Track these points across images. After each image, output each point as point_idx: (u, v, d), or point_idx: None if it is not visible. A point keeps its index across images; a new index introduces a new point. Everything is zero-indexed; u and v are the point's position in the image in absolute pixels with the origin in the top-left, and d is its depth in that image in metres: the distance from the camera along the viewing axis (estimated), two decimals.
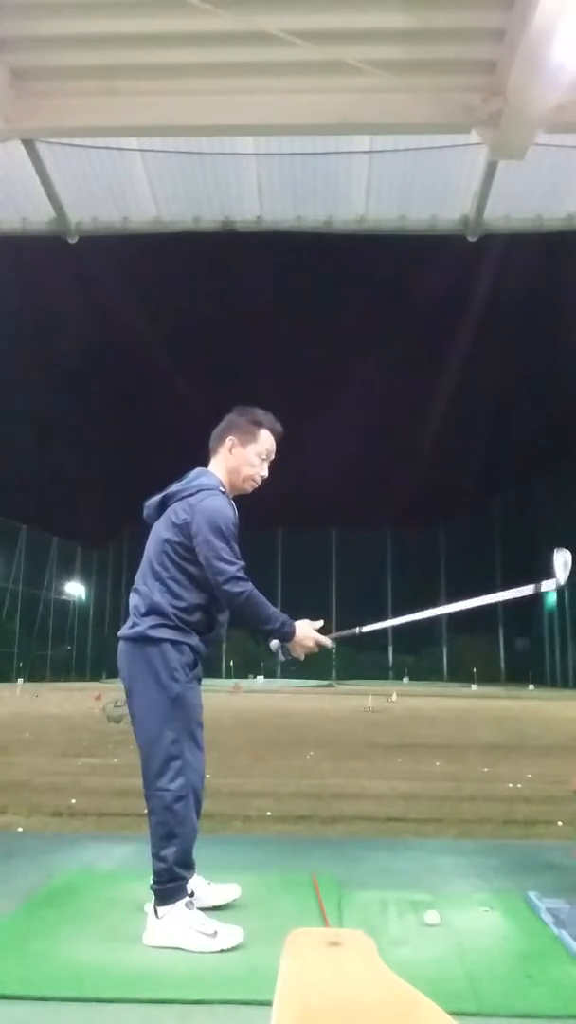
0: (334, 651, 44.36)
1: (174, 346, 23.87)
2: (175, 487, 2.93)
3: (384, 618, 3.33)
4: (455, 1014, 1.43)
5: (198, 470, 2.98)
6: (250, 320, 22.38)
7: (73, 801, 5.21)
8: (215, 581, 2.71)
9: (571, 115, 3.42)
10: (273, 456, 3.01)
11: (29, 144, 4.27)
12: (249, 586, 2.71)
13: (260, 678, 36.32)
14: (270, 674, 38.43)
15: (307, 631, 2.79)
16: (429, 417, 29.05)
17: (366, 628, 3.05)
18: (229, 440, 2.95)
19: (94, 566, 44.61)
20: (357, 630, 3.05)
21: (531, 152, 3.71)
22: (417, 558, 46.02)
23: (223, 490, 2.87)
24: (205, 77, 3.55)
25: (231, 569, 2.69)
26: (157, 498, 2.96)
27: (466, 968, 2.38)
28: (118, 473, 30.66)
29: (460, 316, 21.65)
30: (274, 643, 2.88)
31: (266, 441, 2.98)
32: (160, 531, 2.87)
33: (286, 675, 39.55)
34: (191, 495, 2.83)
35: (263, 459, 2.98)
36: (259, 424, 2.97)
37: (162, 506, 2.93)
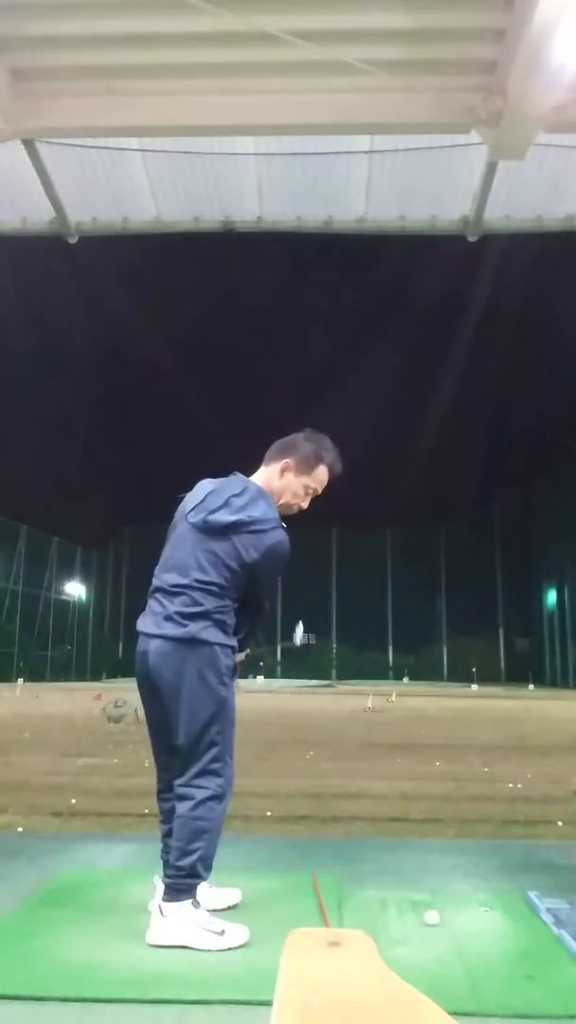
0: (335, 651, 44.48)
1: (174, 346, 23.82)
2: (240, 514, 2.79)
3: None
4: (455, 1014, 1.43)
5: (256, 489, 2.88)
6: (250, 320, 22.32)
7: (73, 801, 5.21)
8: (262, 605, 2.96)
9: (571, 115, 3.42)
10: (320, 492, 2.99)
11: (29, 144, 4.28)
12: None
13: (260, 678, 36.30)
14: (270, 674, 38.42)
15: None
16: (429, 417, 28.98)
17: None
18: (285, 463, 2.91)
19: (94, 566, 44.54)
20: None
21: (531, 152, 3.72)
22: (417, 558, 46.01)
23: (283, 524, 2.88)
24: (205, 77, 3.56)
25: (271, 600, 3.03)
26: (226, 520, 2.79)
27: (466, 968, 2.38)
28: (118, 473, 30.58)
29: (460, 316, 21.60)
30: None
31: (320, 477, 2.94)
32: (220, 553, 2.77)
33: (286, 675, 39.53)
34: (261, 532, 2.78)
35: (308, 493, 2.95)
36: (320, 460, 2.92)
37: (229, 529, 2.80)
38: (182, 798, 2.70)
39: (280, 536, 2.83)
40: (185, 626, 2.73)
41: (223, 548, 2.78)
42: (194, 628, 2.73)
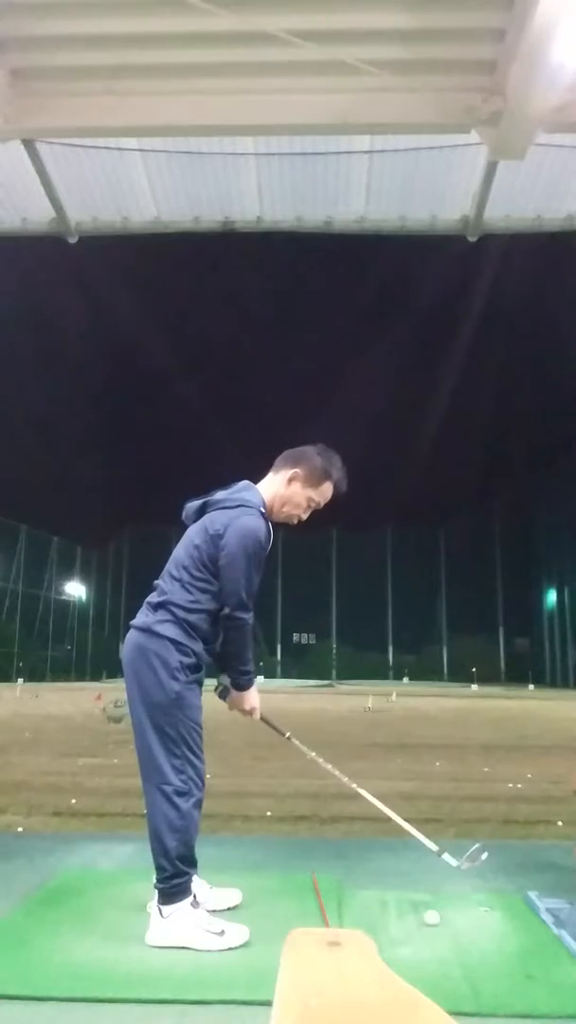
0: (334, 651, 44.53)
1: (174, 346, 23.85)
2: (219, 495, 2.93)
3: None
4: (455, 1014, 1.43)
5: (245, 483, 2.97)
6: (250, 320, 22.34)
7: (73, 801, 5.21)
8: (227, 601, 2.75)
9: (571, 115, 3.42)
10: (321, 507, 3.02)
11: (29, 144, 4.28)
12: (250, 619, 2.78)
13: (260, 678, 36.24)
14: (270, 674, 38.43)
15: (255, 694, 2.93)
16: (429, 417, 29.01)
17: (295, 740, 3.11)
18: (294, 472, 2.93)
19: (94, 566, 44.55)
20: (287, 734, 3.10)
21: (531, 152, 3.71)
22: (417, 558, 46.04)
23: (263, 511, 2.86)
24: (205, 77, 3.55)
25: (244, 597, 2.75)
26: (198, 503, 2.96)
27: (466, 968, 2.38)
28: (118, 473, 30.58)
29: (460, 316, 21.61)
30: (220, 684, 2.96)
31: (325, 493, 2.97)
32: (192, 535, 2.88)
33: (286, 675, 39.54)
34: (231, 508, 2.83)
35: (311, 506, 2.98)
36: (328, 476, 2.95)
37: (201, 511, 2.93)
38: (147, 796, 2.71)
39: (252, 516, 2.79)
40: (147, 616, 2.82)
41: (195, 530, 2.89)
42: (152, 619, 2.79)
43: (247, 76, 3.54)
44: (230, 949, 2.52)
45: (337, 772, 3.17)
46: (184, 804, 2.64)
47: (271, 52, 3.34)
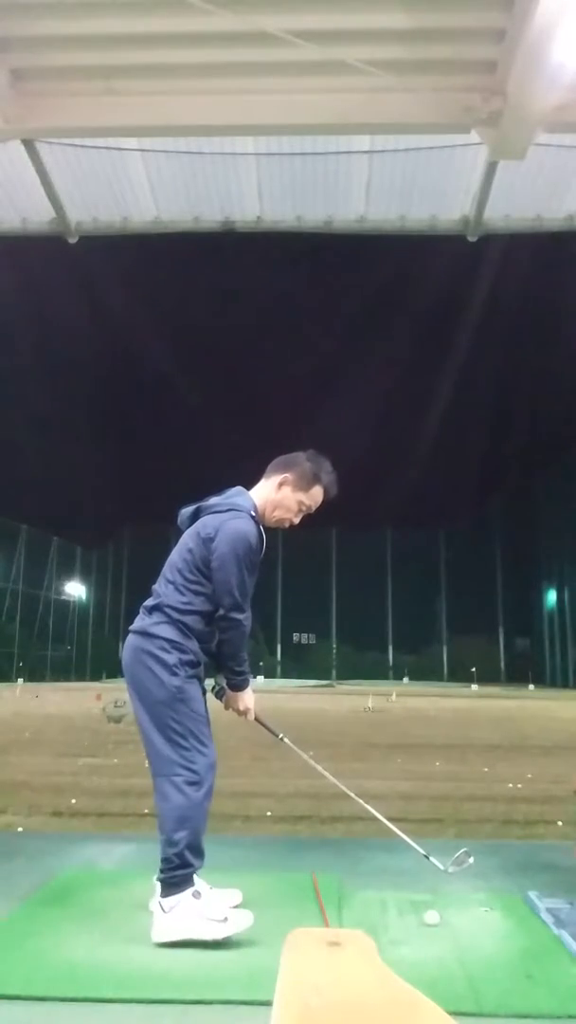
0: (335, 651, 44.55)
1: (174, 347, 23.84)
2: (211, 501, 2.98)
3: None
4: (455, 1014, 1.43)
5: (238, 489, 3.02)
6: (250, 321, 22.34)
7: (73, 801, 5.21)
8: (221, 603, 2.79)
9: (571, 115, 3.42)
10: (312, 512, 3.06)
11: (29, 144, 4.27)
12: (247, 619, 2.83)
13: (260, 678, 36.33)
14: (270, 674, 38.42)
15: (250, 695, 2.97)
16: (429, 417, 29.00)
17: (287, 740, 3.10)
18: (283, 476, 2.99)
19: (94, 566, 44.54)
20: (280, 735, 3.09)
21: (531, 152, 3.72)
22: (417, 558, 46.01)
23: (254, 515, 2.90)
24: (205, 77, 3.56)
25: (239, 598, 2.79)
26: (191, 508, 3.03)
27: (466, 968, 2.38)
28: (118, 474, 30.59)
29: (460, 316, 21.61)
30: (217, 684, 3.01)
31: (315, 497, 3.02)
32: (186, 540, 2.94)
33: (286, 675, 39.53)
34: (222, 512, 2.88)
35: (302, 510, 3.03)
36: (318, 480, 3.00)
37: (195, 516, 2.99)
38: (157, 790, 2.73)
39: (242, 519, 2.84)
40: (143, 620, 2.88)
41: (188, 534, 2.95)
42: (148, 622, 2.85)
43: (247, 76, 3.54)
44: (235, 935, 2.54)
45: (328, 775, 3.18)
46: (195, 793, 2.67)
47: (271, 52, 3.34)
